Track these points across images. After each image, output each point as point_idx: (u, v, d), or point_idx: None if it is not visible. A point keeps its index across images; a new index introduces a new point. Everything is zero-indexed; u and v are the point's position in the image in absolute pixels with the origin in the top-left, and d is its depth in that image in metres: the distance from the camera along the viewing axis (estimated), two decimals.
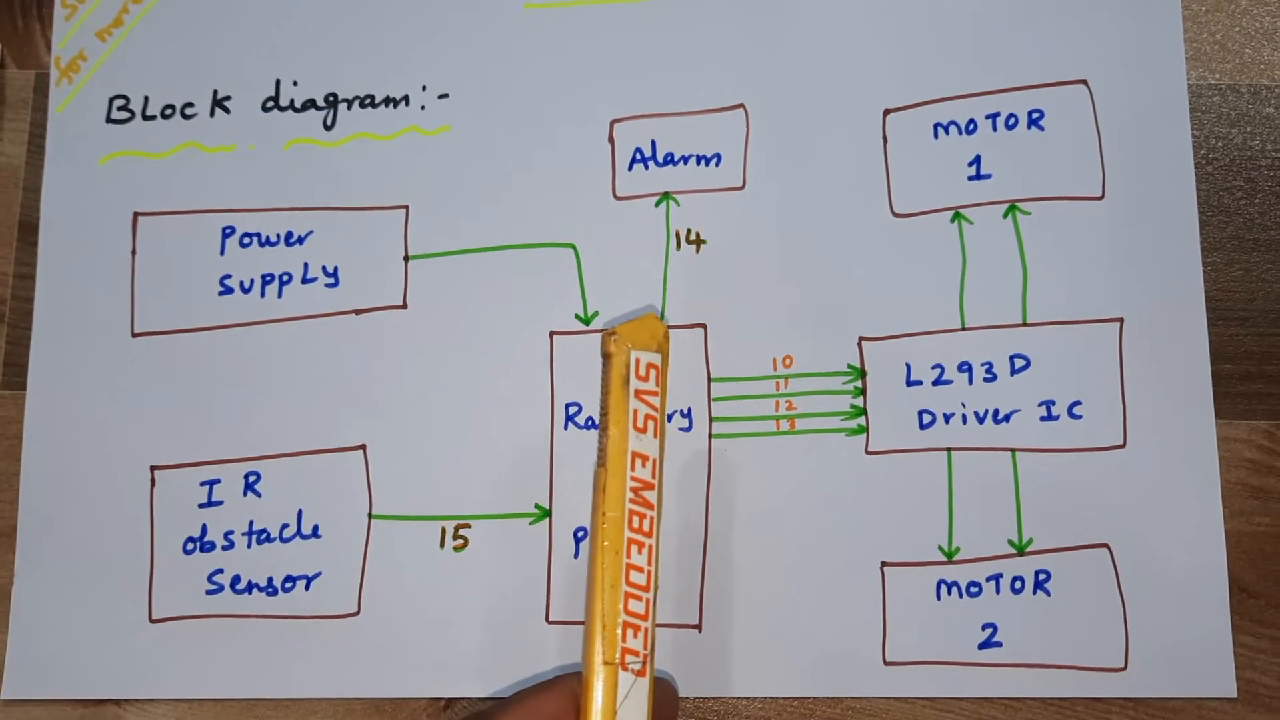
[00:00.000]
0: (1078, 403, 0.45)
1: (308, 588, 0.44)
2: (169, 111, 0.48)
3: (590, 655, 0.36)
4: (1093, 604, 0.43)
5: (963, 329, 0.45)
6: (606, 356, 0.40)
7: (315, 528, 0.45)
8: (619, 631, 0.36)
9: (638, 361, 0.39)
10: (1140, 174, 0.46)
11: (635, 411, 0.38)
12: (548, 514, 0.45)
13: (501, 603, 0.44)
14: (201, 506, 0.45)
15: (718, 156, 0.47)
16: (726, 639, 0.44)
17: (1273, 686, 0.43)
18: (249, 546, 0.45)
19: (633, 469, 0.38)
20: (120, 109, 0.48)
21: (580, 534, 0.44)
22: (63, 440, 0.45)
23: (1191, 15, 0.47)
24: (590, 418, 0.45)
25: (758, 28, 0.47)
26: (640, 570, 0.37)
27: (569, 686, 0.36)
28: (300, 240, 0.47)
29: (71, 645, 0.44)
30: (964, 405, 0.45)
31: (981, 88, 0.47)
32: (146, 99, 0.48)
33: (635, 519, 0.38)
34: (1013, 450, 0.44)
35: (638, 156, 0.47)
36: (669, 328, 0.44)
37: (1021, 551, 0.44)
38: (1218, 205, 0.46)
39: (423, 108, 0.48)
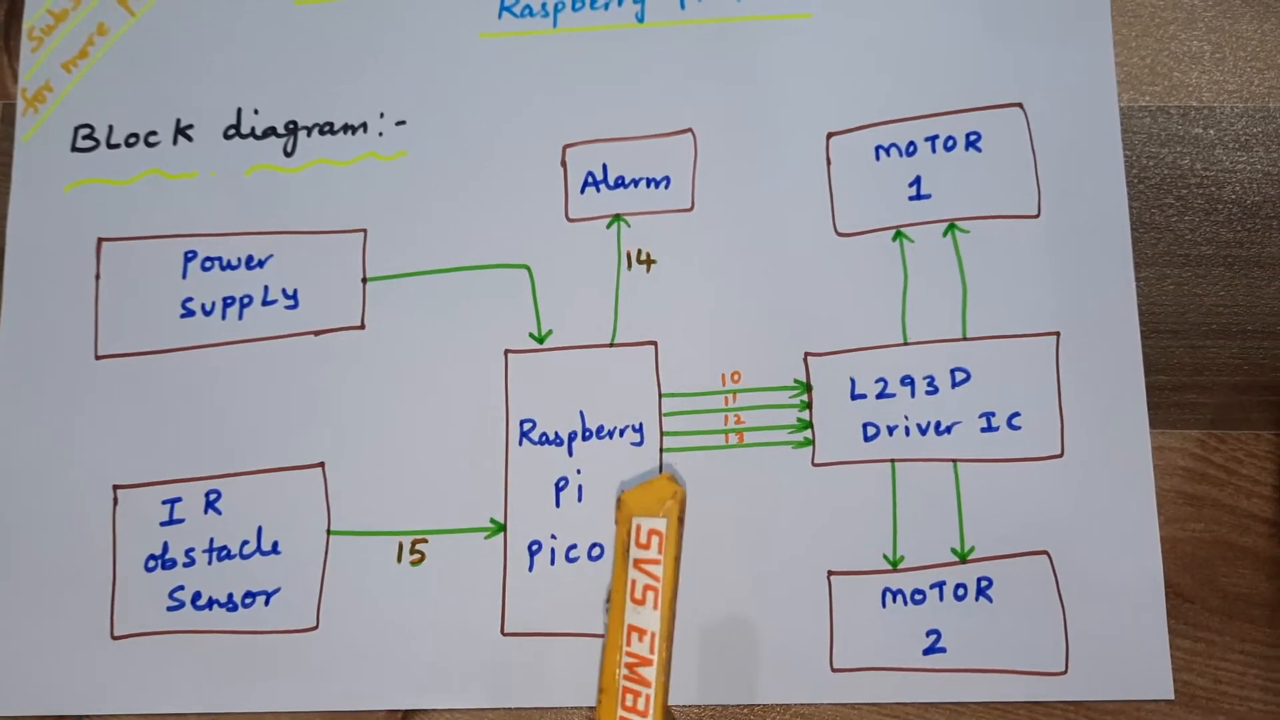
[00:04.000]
0: (1016, 414, 0.46)
1: (267, 603, 0.45)
2: (133, 140, 0.49)
3: None
4: (1033, 610, 0.45)
5: (905, 344, 0.47)
6: (616, 524, 0.39)
7: (275, 544, 0.46)
8: None
9: (639, 528, 0.38)
10: (1075, 193, 0.47)
11: (634, 582, 0.38)
12: (502, 528, 0.46)
13: (457, 615, 0.45)
14: (163, 524, 0.46)
15: (667, 179, 0.48)
16: (677, 648, 0.44)
17: (1208, 688, 0.44)
18: (210, 563, 0.46)
19: (628, 644, 0.38)
20: (85, 138, 0.49)
21: (535, 547, 0.45)
22: (27, 460, 0.46)
23: (1122, 40, 0.49)
24: (545, 433, 0.46)
25: (705, 55, 0.49)
26: None
27: None
28: (261, 264, 0.48)
29: (35, 661, 0.45)
30: (906, 418, 0.46)
31: (921, 111, 0.48)
32: (111, 128, 0.49)
33: (629, 697, 0.37)
34: (954, 461, 0.46)
35: (589, 180, 0.48)
36: (683, 489, 0.42)
37: (964, 559, 0.45)
38: (1149, 222, 0.47)
39: (380, 134, 0.49)
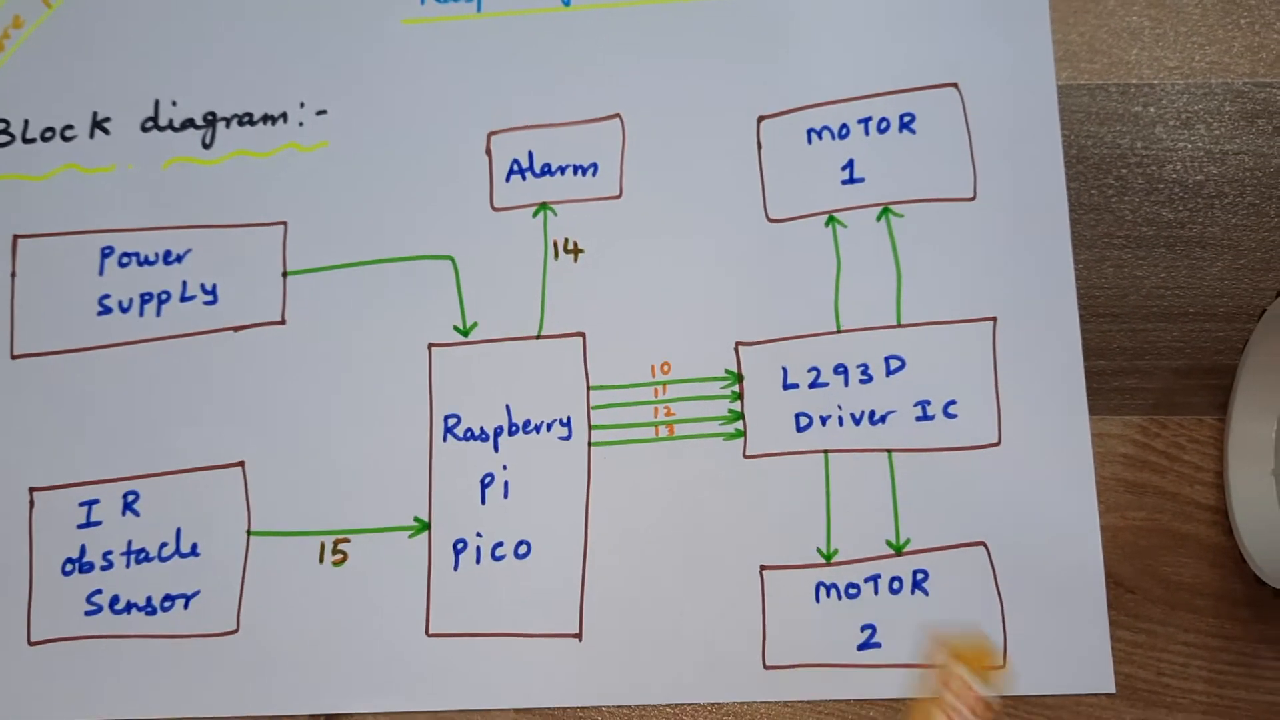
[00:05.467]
0: (953, 402, 0.45)
1: (186, 606, 0.44)
2: (49, 134, 0.48)
3: None
4: (971, 602, 0.43)
5: (838, 331, 0.45)
6: (934, 647, 0.39)
7: (194, 546, 0.45)
8: None
9: (958, 677, 0.38)
10: (1011, 174, 0.46)
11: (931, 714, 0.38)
12: (427, 526, 0.44)
13: (381, 617, 0.44)
14: (80, 527, 0.45)
15: (594, 166, 0.47)
16: (607, 647, 0.43)
17: (1150, 680, 0.43)
18: (128, 566, 0.45)
19: None
20: (1, 133, 0.48)
21: (460, 546, 0.44)
22: None
23: (1059, 16, 0.48)
24: (470, 429, 0.45)
25: (633, 38, 0.48)
26: None
27: None
28: (179, 259, 0.47)
29: None
30: (840, 407, 0.45)
31: (853, 93, 0.47)
32: (26, 122, 0.48)
33: None
34: (889, 451, 0.44)
35: (515, 168, 0.47)
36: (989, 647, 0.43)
37: (899, 551, 0.44)
38: (1088, 203, 0.46)
39: (301, 124, 0.48)
